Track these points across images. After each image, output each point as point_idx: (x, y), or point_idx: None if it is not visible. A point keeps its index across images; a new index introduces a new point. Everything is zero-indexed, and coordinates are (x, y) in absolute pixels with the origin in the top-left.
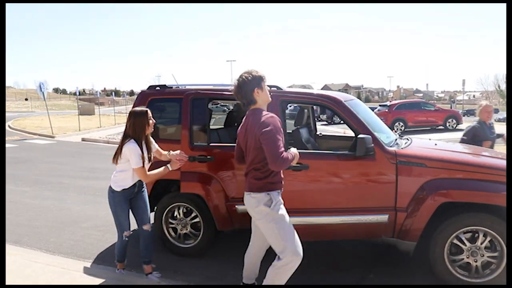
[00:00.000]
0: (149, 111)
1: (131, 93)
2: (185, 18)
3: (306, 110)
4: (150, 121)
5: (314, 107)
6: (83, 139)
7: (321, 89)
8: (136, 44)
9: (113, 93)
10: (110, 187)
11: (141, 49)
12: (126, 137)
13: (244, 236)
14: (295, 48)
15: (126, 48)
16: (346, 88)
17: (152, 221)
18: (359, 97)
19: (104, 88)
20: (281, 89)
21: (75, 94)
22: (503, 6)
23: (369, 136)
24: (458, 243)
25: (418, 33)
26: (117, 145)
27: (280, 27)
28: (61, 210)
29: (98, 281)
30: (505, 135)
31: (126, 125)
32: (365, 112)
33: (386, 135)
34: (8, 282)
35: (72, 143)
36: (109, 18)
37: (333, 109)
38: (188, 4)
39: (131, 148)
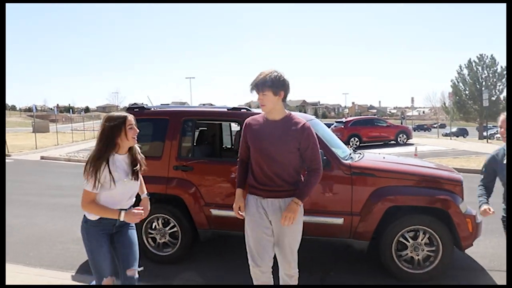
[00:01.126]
0: (130, 117)
1: (87, 109)
2: (142, 33)
3: None
4: (130, 131)
5: None
6: (42, 157)
7: None
8: (91, 59)
9: (70, 110)
10: (84, 215)
11: (96, 64)
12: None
13: (218, 243)
14: (251, 64)
15: (80, 63)
16: (303, 105)
17: (139, 266)
18: (316, 113)
19: (57, 104)
20: (250, 110)
21: (25, 110)
22: (449, 27)
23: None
24: (403, 240)
25: (372, 50)
26: (80, 163)
27: (236, 43)
28: (34, 227)
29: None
30: None
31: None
32: (323, 130)
33: (342, 150)
34: None
35: (31, 162)
36: (61, 31)
37: None
38: (146, 19)
39: None
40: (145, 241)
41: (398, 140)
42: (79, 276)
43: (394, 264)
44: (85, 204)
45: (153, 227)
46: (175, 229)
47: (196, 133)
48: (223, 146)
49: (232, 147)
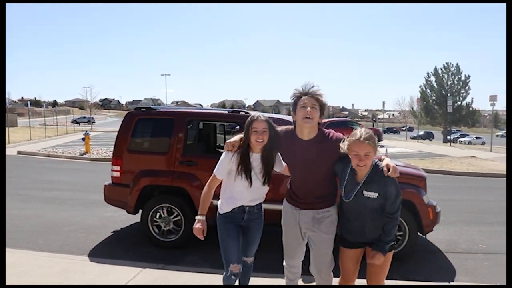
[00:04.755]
0: (257, 121)
1: (54, 103)
2: (117, 28)
3: None
4: (253, 134)
5: None
6: (19, 152)
7: (253, 105)
8: (59, 52)
9: (44, 104)
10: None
11: (65, 57)
12: None
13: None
14: (228, 64)
15: (47, 56)
16: (277, 105)
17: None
18: (289, 114)
19: (22, 98)
20: (248, 113)
21: None
22: (420, 34)
23: None
24: None
25: (345, 55)
26: (60, 159)
27: (214, 44)
28: (40, 218)
29: (106, 267)
30: None
31: None
32: None
33: None
34: (24, 271)
35: (9, 157)
36: (26, 21)
37: None
38: (120, 14)
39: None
40: (151, 229)
41: None
42: (93, 258)
43: None
44: (205, 187)
45: (158, 216)
46: (178, 217)
47: (198, 133)
48: (218, 144)
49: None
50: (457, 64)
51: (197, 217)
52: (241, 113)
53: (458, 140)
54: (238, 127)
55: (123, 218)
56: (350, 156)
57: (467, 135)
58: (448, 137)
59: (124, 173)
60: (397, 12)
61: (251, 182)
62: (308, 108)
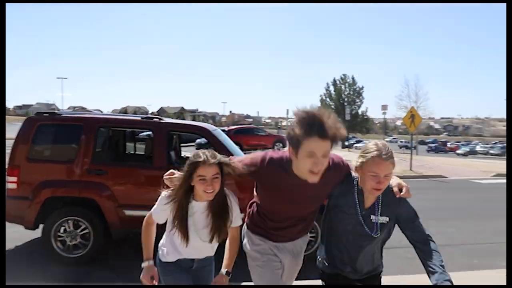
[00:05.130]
0: (204, 167)
1: None
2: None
3: (174, 137)
4: (200, 183)
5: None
6: None
7: (157, 111)
8: None
9: None
10: (157, 256)
11: None
12: None
13: (128, 243)
14: (130, 70)
15: None
16: (181, 112)
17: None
18: (194, 121)
19: None
20: (162, 119)
21: None
22: (322, 46)
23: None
24: None
25: (250, 63)
26: None
27: (114, 50)
28: None
29: None
30: None
31: None
32: (225, 139)
33: (241, 155)
34: None
35: None
36: None
37: (204, 136)
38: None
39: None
40: (54, 245)
41: (275, 147)
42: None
43: None
44: (143, 226)
45: (63, 230)
46: (86, 230)
47: (108, 140)
48: (127, 152)
49: (143, 153)
50: (352, 76)
51: (143, 264)
52: (155, 119)
53: (354, 146)
54: (150, 133)
55: (17, 236)
56: (363, 176)
57: (362, 141)
58: (346, 143)
59: (22, 185)
60: (301, 24)
61: (188, 240)
62: (319, 165)
